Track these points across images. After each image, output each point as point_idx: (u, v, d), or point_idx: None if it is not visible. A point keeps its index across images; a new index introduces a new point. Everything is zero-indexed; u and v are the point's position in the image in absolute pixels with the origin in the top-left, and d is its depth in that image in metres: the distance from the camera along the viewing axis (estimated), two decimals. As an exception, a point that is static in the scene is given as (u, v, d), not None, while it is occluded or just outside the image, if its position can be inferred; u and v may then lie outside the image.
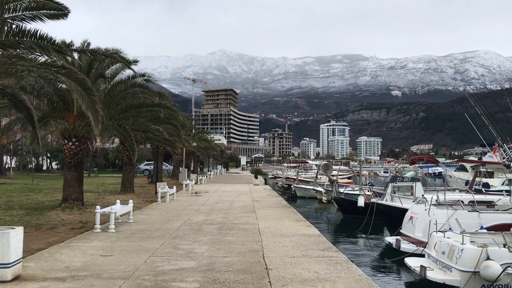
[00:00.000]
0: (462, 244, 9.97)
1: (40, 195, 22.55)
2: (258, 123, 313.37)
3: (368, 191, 28.83)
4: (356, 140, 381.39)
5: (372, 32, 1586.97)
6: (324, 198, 29.74)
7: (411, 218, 14.11)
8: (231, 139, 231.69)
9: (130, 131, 15.57)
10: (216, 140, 76.81)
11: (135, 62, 18.00)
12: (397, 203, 17.85)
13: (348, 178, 53.51)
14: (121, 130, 15.30)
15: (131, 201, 14.18)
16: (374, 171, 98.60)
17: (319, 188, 34.43)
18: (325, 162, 30.39)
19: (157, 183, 25.23)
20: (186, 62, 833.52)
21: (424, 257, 11.97)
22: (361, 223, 22.66)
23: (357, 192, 28.43)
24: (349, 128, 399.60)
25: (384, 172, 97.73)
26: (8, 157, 51.85)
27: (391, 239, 14.55)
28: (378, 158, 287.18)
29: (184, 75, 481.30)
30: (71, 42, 9.88)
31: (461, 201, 15.25)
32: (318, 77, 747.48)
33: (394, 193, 21.97)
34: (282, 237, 11.20)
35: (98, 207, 12.15)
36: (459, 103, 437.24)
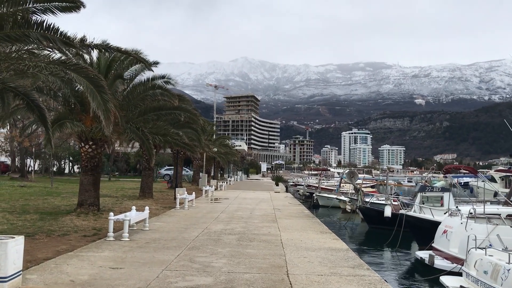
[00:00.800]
0: (509, 263, 8.94)
1: (58, 199, 22.18)
2: (279, 130, 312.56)
3: (394, 201, 27.69)
4: (379, 148, 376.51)
5: (396, 39, 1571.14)
6: (348, 207, 28.65)
7: (445, 232, 13.04)
8: (252, 145, 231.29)
9: (148, 135, 14.96)
10: (236, 146, 76.27)
11: (156, 63, 17.43)
12: (428, 215, 16.76)
13: (372, 187, 52.13)
14: (139, 133, 14.70)
15: (147, 207, 13.52)
16: (397, 180, 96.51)
17: (343, 197, 33.32)
18: (350, 169, 29.30)
19: (176, 188, 24.64)
20: (209, 69, 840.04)
21: (461, 275, 10.95)
22: (388, 235, 21.55)
23: (383, 202, 27.30)
24: (371, 136, 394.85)
25: (408, 181, 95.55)
26: (32, 160, 52.36)
27: (423, 254, 13.49)
28: (401, 167, 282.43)
29: (207, 81, 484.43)
30: (84, 36, 9.31)
31: (497, 214, 14.13)
32: (340, 84, 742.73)
33: (423, 203, 20.86)
34: (307, 251, 10.32)
35: (111, 214, 11.50)
36: (484, 113, 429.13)
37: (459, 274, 11.29)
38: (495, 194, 37.60)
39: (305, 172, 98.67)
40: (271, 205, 23.85)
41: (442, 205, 21.52)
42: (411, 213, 17.36)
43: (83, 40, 9.21)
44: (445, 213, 17.27)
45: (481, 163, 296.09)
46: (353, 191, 38.46)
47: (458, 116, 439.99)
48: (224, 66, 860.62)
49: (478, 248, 10.45)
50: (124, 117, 16.01)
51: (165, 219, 15.99)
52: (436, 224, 14.81)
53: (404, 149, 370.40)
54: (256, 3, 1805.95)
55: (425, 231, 15.96)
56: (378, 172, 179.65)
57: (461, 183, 45.78)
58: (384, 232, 22.57)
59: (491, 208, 15.85)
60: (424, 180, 30.03)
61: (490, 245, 11.09)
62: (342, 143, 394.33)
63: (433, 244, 13.65)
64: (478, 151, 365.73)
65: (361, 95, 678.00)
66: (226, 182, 44.81)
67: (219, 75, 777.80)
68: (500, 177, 42.61)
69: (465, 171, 21.24)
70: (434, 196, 21.82)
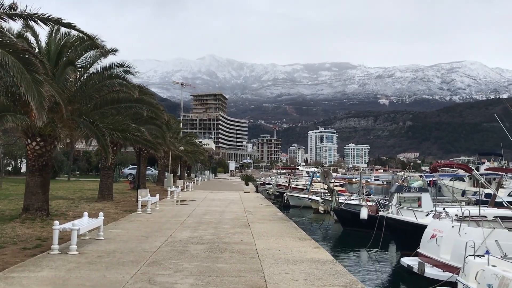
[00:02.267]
0: (518, 276, 7.81)
1: (4, 202, 19.89)
2: (247, 129, 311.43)
3: (367, 200, 26.75)
4: (344, 147, 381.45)
5: (361, 40, 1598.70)
6: (321, 208, 27.52)
7: (433, 236, 11.92)
8: (220, 144, 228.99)
9: (104, 130, 13.16)
10: (204, 144, 74.27)
11: (114, 51, 15.61)
12: (410, 218, 15.68)
13: (341, 185, 51.50)
14: (93, 129, 12.90)
15: (101, 214, 11.75)
16: (365, 178, 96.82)
17: (315, 197, 32.21)
18: (324, 169, 28.18)
19: (138, 190, 22.76)
20: (175, 67, 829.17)
21: (456, 286, 9.83)
22: (364, 237, 20.48)
23: (358, 202, 26.32)
24: (337, 135, 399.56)
25: (375, 180, 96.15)
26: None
27: (410, 261, 12.34)
28: (365, 165, 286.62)
29: (173, 79, 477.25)
30: (13, 3, 7.47)
31: (483, 216, 13.19)
32: (307, 84, 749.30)
33: (400, 204, 19.92)
34: (288, 264, 8.89)
35: (56, 222, 9.70)
36: (446, 113, 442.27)
37: (452, 283, 10.18)
38: (463, 193, 37.52)
39: (273, 171, 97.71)
40: (242, 206, 22.36)
41: (419, 206, 20.63)
42: (391, 215, 16.27)
43: (12, 7, 7.40)
44: (427, 215, 16.30)
45: (442, 162, 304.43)
46: (325, 191, 37.56)
47: (420, 116, 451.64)
48: (191, 64, 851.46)
49: (476, 256, 9.34)
50: (77, 110, 14.14)
51: (124, 226, 14.21)
52: (421, 227, 13.74)
53: (369, 148, 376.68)
54: (223, 2, 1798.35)
55: (407, 235, 14.90)
56: (344, 170, 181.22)
57: (428, 181, 45.66)
58: (360, 235, 21.54)
59: (475, 210, 14.95)
60: (400, 179, 29.36)
61: (487, 251, 10.02)
62: (309, 142, 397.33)
63: (419, 250, 12.53)
64: (440, 150, 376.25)
65: (327, 95, 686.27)
66: (193, 182, 43.00)
67: (186, 73, 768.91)
68: (468, 176, 42.64)
69: (458, 169, 20.34)
70: (412, 197, 20.95)
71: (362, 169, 51.50)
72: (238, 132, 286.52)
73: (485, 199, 30.71)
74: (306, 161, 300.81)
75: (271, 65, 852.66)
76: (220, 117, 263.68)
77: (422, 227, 13.65)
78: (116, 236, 12.04)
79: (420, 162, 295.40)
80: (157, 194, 20.97)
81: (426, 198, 20.59)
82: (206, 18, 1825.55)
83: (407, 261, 12.35)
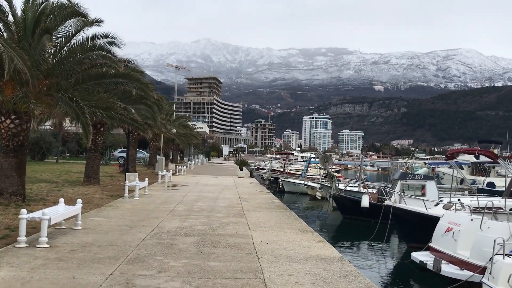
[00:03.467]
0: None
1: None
2: (241, 113, 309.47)
3: (363, 187, 25.66)
4: (338, 133, 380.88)
5: (357, 26, 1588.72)
6: (318, 194, 26.39)
7: (449, 230, 10.77)
8: (214, 128, 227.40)
9: (84, 107, 11.80)
10: (198, 128, 72.76)
11: (98, 21, 14.16)
12: (419, 208, 14.53)
13: (337, 171, 50.50)
14: (72, 105, 11.54)
15: (79, 201, 10.47)
16: (343, 163, 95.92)
17: (311, 183, 31.09)
18: (324, 153, 26.98)
19: (127, 173, 21.48)
20: (170, 50, 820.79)
21: (478, 286, 8.74)
22: (365, 227, 19.43)
23: (357, 189, 25.24)
24: (331, 121, 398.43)
25: (371, 166, 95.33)
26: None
27: (422, 257, 11.19)
28: (359, 151, 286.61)
29: (168, 62, 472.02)
30: None
31: (499, 208, 12.11)
32: (302, 69, 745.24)
33: (403, 192, 18.85)
34: (291, 263, 7.70)
35: (23, 211, 8.39)
36: (440, 100, 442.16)
37: (476, 283, 9.09)
38: (462, 181, 36.53)
39: (268, 155, 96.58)
40: (236, 193, 21.17)
41: (423, 194, 19.60)
42: (399, 205, 15.10)
43: None
44: (436, 205, 15.19)
45: (436, 149, 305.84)
46: (323, 176, 36.44)
47: (415, 103, 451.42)
48: (186, 47, 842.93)
49: (506, 255, 8.20)
50: (56, 85, 12.73)
51: (107, 213, 12.96)
52: (432, 219, 12.60)
53: (363, 134, 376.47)
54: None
55: (416, 227, 13.78)
56: (338, 156, 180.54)
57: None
58: (361, 224, 20.48)
59: (484, 200, 13.84)
60: (405, 166, 28.26)
61: (512, 250, 8.89)
62: (303, 127, 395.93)
63: (431, 244, 11.39)
64: (434, 137, 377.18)
65: (322, 80, 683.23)
66: (186, 166, 41.72)
67: (180, 56, 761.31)
68: (467, 165, 41.68)
69: (482, 155, 19.17)
70: (416, 185, 19.88)
71: (363, 155, 50.34)
72: (232, 116, 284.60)
73: (486, 188, 29.85)
74: (300, 146, 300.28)
75: (266, 49, 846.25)
76: (215, 101, 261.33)
77: (433, 219, 12.52)
78: (97, 225, 10.79)
79: (414, 149, 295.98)
80: (146, 179, 19.67)
81: (431, 186, 19.54)
82: (201, 0, 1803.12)
83: (419, 256, 11.21)
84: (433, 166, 35.50)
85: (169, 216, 12.86)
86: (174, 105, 63.43)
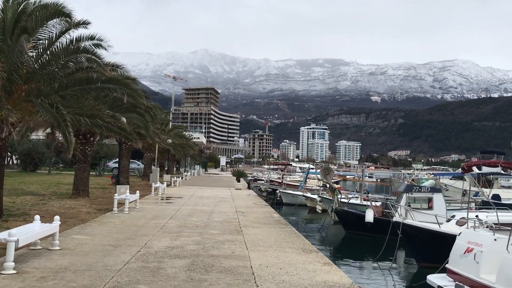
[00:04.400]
0: None
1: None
2: (238, 124, 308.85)
3: (364, 199, 24.62)
4: (336, 144, 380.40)
5: (354, 37, 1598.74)
6: (319, 207, 25.29)
7: (468, 250, 9.71)
8: (211, 139, 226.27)
9: (66, 115, 10.75)
10: (195, 138, 71.63)
11: (86, 23, 13.19)
12: (432, 225, 13.45)
13: (336, 183, 49.43)
14: (53, 112, 10.51)
15: (57, 217, 9.37)
16: (359, 175, 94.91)
17: (310, 194, 30.00)
18: (325, 165, 25.96)
19: (117, 186, 20.40)
20: (168, 60, 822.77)
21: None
22: (370, 243, 18.37)
23: (359, 202, 24.17)
24: (328, 131, 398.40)
25: (369, 177, 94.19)
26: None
27: (440, 280, 10.09)
28: (357, 162, 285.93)
29: (165, 72, 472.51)
30: None
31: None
32: (299, 80, 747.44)
33: (409, 205, 17.83)
34: (295, 293, 6.63)
35: (-13, 231, 7.32)
36: (437, 111, 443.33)
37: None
38: (464, 193, 35.48)
39: (265, 166, 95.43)
40: (233, 206, 20.06)
41: (431, 207, 18.58)
42: (409, 221, 13.99)
43: None
44: (448, 221, 14.15)
45: (433, 160, 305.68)
46: (321, 188, 35.33)
47: (412, 114, 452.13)
48: (183, 57, 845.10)
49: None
50: (36, 90, 11.70)
51: (91, 230, 11.85)
52: (447, 237, 11.55)
53: (360, 144, 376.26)
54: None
55: (429, 246, 12.73)
56: (335, 167, 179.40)
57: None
58: (366, 240, 19.41)
59: (502, 215, 12.81)
60: (410, 178, 27.24)
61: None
62: (301, 138, 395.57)
63: (448, 266, 10.32)
64: (431, 148, 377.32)
65: (319, 91, 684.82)
66: (182, 177, 40.58)
67: (178, 67, 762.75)
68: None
69: (504, 167, 18.20)
70: (422, 197, 18.86)
71: (364, 166, 49.29)
72: (230, 127, 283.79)
73: (492, 200, 28.81)
74: (297, 157, 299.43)
75: (263, 60, 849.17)
76: (212, 112, 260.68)
77: (447, 237, 11.48)
78: (77, 245, 9.69)
79: (411, 160, 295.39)
80: (138, 191, 18.59)
81: (438, 199, 18.53)
82: (198, 11, 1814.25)
83: (436, 280, 10.12)
84: (438, 176, 34.40)
85: (159, 233, 11.76)
86: (171, 115, 62.44)
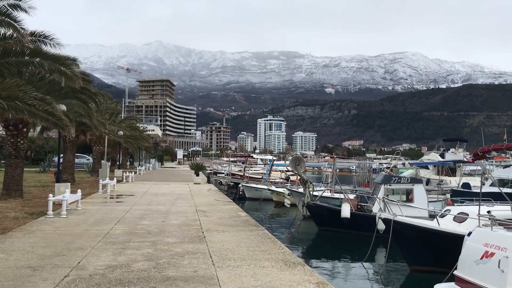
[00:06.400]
0: None
1: None
2: (195, 116, 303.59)
3: (330, 191, 22.97)
4: (292, 135, 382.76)
5: (308, 30, 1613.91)
6: (287, 202, 23.32)
7: (487, 255, 7.92)
8: (167, 132, 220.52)
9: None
10: (149, 130, 68.00)
11: None
12: (431, 223, 11.66)
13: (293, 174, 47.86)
14: None
15: None
16: (318, 166, 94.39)
17: (280, 189, 28.04)
18: (295, 154, 24.01)
19: (56, 184, 17.56)
20: (121, 52, 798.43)
21: None
22: (348, 241, 16.59)
23: (329, 194, 22.39)
24: (285, 123, 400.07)
25: (329, 167, 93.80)
26: None
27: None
28: (313, 153, 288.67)
29: (118, 64, 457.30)
30: None
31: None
32: (256, 72, 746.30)
33: (387, 197, 16.17)
34: None
35: None
36: (388, 102, 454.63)
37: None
38: (427, 181, 34.74)
39: (224, 158, 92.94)
40: (193, 204, 17.69)
41: (411, 199, 17.04)
42: (402, 218, 12.15)
43: None
44: (442, 216, 12.45)
45: (385, 149, 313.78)
46: (284, 180, 33.48)
47: (365, 105, 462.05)
48: (137, 49, 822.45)
49: None
50: None
51: (10, 243, 9.19)
52: (448, 237, 9.79)
53: (316, 135, 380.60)
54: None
55: (425, 247, 10.98)
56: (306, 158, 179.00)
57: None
58: (341, 237, 17.61)
59: (499, 209, 11.25)
60: (388, 168, 25.75)
61: None
62: (258, 129, 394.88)
63: (458, 273, 8.52)
64: (383, 138, 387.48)
65: (275, 83, 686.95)
66: (135, 172, 37.58)
67: (131, 59, 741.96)
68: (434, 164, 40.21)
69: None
70: (402, 189, 17.28)
71: (335, 155, 47.84)
72: (187, 119, 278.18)
73: (462, 189, 27.98)
74: (255, 148, 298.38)
75: (219, 52, 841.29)
76: (168, 104, 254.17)
77: (449, 237, 9.71)
78: (-19, 269, 7.09)
79: (364, 149, 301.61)
80: (79, 190, 15.83)
81: (419, 190, 17.00)
82: (151, 1, 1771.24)
83: (446, 291, 8.34)
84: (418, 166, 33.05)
85: (100, 244, 9.28)
86: (123, 106, 58.67)
